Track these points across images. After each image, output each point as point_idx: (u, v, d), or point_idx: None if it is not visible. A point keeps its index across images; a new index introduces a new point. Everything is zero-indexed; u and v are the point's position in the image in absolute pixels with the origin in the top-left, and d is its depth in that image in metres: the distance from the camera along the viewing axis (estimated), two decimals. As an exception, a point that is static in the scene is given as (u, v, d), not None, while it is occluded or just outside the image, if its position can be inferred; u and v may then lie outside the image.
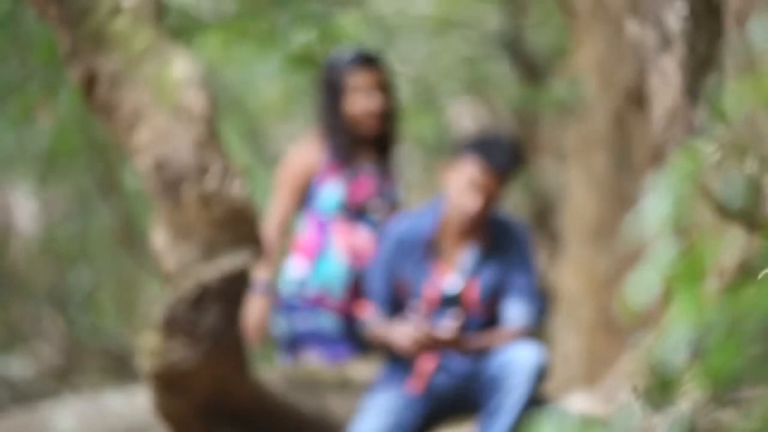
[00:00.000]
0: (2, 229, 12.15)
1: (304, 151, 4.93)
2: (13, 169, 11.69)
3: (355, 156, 4.85)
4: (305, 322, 4.87)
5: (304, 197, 4.89)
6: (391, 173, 4.96)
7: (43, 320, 11.28)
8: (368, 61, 4.88)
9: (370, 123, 4.83)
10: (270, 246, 4.77)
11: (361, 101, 4.82)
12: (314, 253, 4.86)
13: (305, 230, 4.89)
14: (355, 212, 4.85)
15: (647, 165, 5.10)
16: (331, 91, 4.85)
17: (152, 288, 12.78)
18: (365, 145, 4.89)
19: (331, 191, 4.84)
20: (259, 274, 4.74)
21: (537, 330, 4.64)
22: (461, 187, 4.53)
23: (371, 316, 4.68)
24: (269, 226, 4.83)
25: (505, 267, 4.62)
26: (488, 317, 4.64)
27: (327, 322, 4.86)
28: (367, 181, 4.87)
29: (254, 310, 4.83)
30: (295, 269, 4.89)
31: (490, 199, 4.54)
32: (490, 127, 4.83)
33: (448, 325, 4.43)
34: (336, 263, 4.84)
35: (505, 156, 4.51)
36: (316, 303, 4.84)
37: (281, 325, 4.90)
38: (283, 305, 4.89)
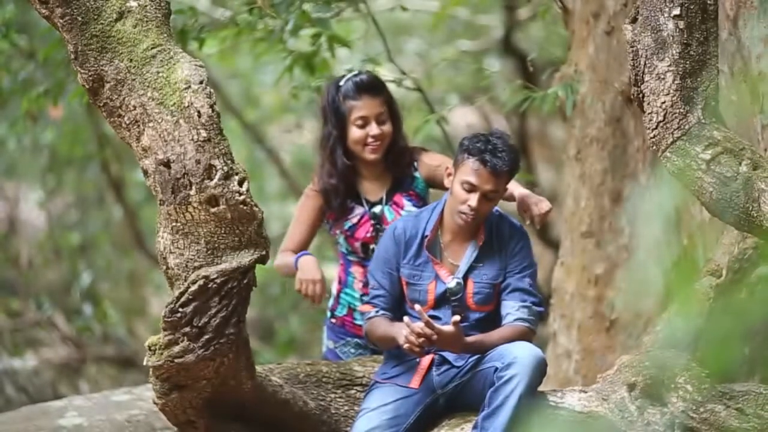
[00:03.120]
0: (9, 229, 12.17)
1: (311, 195, 4.96)
2: (20, 170, 11.71)
3: (350, 197, 4.91)
4: (331, 343, 5.09)
5: (316, 229, 5.01)
6: (402, 195, 5.00)
7: (51, 319, 11.30)
8: (369, 89, 4.86)
9: (372, 151, 4.84)
10: (280, 267, 4.91)
11: (364, 130, 4.83)
12: (342, 280, 5.04)
13: (338, 260, 5.09)
14: (362, 255, 4.97)
15: (642, 165, 5.16)
16: (333, 121, 4.85)
17: (158, 287, 12.82)
18: (372, 170, 4.92)
19: (340, 239, 5.00)
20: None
21: (534, 328, 4.69)
22: (459, 188, 4.59)
23: (372, 313, 4.75)
24: (284, 250, 4.97)
25: (503, 266, 4.68)
26: (486, 315, 4.70)
27: (348, 351, 5.00)
28: (363, 226, 4.92)
29: (306, 265, 4.87)
30: (332, 294, 5.10)
31: (488, 200, 4.60)
32: (487, 130, 4.83)
33: (448, 323, 4.50)
34: (355, 291, 4.99)
35: (501, 158, 4.56)
36: (343, 323, 5.03)
37: (323, 339, 5.15)
38: (326, 322, 5.12)
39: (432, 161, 4.94)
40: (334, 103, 4.85)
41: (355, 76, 4.91)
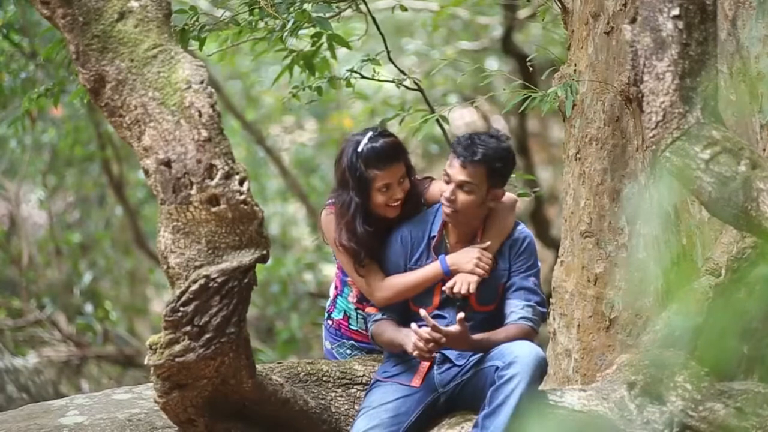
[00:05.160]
0: (10, 229, 12.18)
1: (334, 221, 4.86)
2: (21, 169, 11.73)
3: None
4: (328, 344, 5.13)
5: None
6: None
7: (52, 318, 11.32)
8: (392, 156, 4.74)
9: (394, 210, 4.79)
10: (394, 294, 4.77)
11: (387, 195, 4.75)
12: (338, 287, 5.06)
13: (336, 268, 5.07)
14: None
15: (641, 165, 5.17)
16: (356, 188, 4.74)
17: (158, 286, 12.84)
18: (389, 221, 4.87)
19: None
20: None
21: (537, 328, 4.70)
22: (442, 182, 4.66)
23: (378, 316, 4.77)
24: (382, 281, 4.79)
25: (507, 267, 4.70)
26: (489, 315, 4.72)
27: (343, 352, 5.04)
28: None
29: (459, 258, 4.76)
30: (330, 296, 5.11)
31: (464, 192, 4.59)
32: (487, 130, 4.84)
33: (453, 322, 4.52)
34: (349, 303, 5.02)
35: (471, 151, 4.57)
36: (338, 326, 5.06)
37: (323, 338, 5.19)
38: (324, 323, 5.15)
39: (438, 191, 4.90)
40: (356, 170, 4.73)
41: (374, 140, 4.75)
